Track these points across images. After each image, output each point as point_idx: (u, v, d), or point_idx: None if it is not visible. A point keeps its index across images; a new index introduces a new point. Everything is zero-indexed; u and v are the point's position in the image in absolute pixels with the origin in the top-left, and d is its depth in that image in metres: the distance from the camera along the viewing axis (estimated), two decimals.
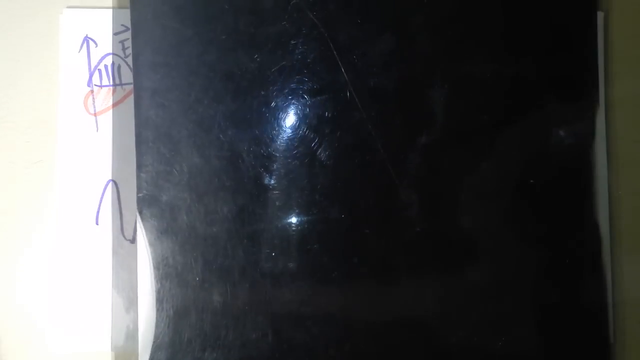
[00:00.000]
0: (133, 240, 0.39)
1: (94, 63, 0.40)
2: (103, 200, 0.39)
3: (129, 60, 0.40)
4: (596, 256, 0.38)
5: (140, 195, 0.35)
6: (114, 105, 0.40)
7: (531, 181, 0.37)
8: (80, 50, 0.40)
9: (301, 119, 0.36)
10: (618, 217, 0.40)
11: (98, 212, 0.39)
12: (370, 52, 0.36)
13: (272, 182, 0.36)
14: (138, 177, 0.35)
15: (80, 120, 0.39)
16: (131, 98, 0.40)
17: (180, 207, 0.35)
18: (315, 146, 0.36)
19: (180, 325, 0.35)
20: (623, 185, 0.40)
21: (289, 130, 0.36)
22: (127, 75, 0.40)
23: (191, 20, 0.36)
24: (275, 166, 0.36)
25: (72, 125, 0.39)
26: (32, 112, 0.40)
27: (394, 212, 0.36)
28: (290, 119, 0.36)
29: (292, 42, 0.36)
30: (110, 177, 0.39)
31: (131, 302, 0.38)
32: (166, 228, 0.35)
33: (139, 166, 0.35)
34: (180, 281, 0.35)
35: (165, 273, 0.35)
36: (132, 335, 0.38)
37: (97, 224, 0.39)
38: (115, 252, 0.39)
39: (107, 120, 0.39)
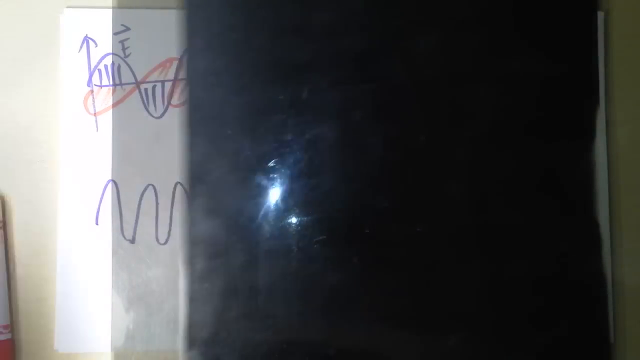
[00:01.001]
0: (133, 241, 0.39)
1: (93, 63, 0.40)
2: (103, 200, 0.39)
3: (129, 60, 0.40)
4: (596, 256, 0.38)
5: (186, 176, 0.35)
6: (114, 105, 0.40)
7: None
8: (80, 50, 0.40)
9: (349, 107, 0.36)
10: (618, 217, 0.40)
11: (98, 212, 0.39)
12: (422, 43, 0.36)
13: (319, 168, 0.35)
14: (186, 157, 0.35)
15: (80, 120, 0.39)
16: (131, 98, 0.40)
17: (226, 190, 0.35)
18: (362, 135, 0.36)
19: (226, 311, 0.34)
20: (623, 185, 0.40)
21: (336, 118, 0.35)
22: (127, 75, 0.40)
23: (241, 5, 0.35)
24: (322, 153, 0.35)
25: (71, 125, 0.39)
26: (32, 111, 0.40)
27: (439, 205, 0.36)
28: (337, 107, 0.36)
29: (342, 30, 0.35)
30: (110, 177, 0.39)
31: (131, 302, 0.38)
32: (212, 211, 0.35)
33: (188, 147, 0.35)
34: (224, 264, 0.35)
35: (209, 255, 0.35)
36: (132, 335, 0.38)
37: (97, 224, 0.39)
38: (115, 252, 0.39)
39: (107, 120, 0.39)
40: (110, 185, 0.39)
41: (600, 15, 0.39)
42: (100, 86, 0.40)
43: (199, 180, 0.35)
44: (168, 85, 0.40)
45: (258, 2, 0.36)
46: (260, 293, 0.35)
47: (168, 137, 0.40)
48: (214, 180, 0.35)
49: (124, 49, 0.40)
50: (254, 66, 0.36)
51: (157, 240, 0.39)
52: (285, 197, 0.35)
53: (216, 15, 0.36)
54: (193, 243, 0.34)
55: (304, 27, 0.36)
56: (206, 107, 0.35)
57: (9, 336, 0.38)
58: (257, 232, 0.35)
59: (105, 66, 0.40)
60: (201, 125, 0.35)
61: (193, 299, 0.34)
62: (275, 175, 0.35)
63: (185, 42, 0.36)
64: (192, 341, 0.34)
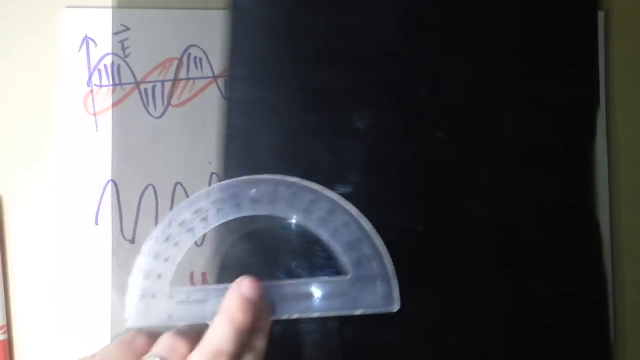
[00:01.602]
0: (133, 241, 0.39)
1: (93, 63, 0.40)
2: (102, 200, 0.39)
3: (128, 60, 0.40)
4: (596, 256, 0.38)
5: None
6: (114, 105, 0.40)
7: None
8: (79, 49, 0.40)
9: (379, 133, 0.37)
10: (618, 217, 0.40)
11: (97, 212, 0.39)
12: (449, 71, 0.38)
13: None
14: (223, 181, 0.36)
15: (79, 120, 0.39)
16: (130, 98, 0.40)
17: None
18: (391, 159, 0.37)
19: None
20: (623, 185, 0.40)
21: (366, 141, 0.37)
22: (127, 75, 0.40)
23: (283, 38, 0.37)
24: (351, 177, 0.37)
25: (71, 125, 0.39)
26: (32, 111, 0.39)
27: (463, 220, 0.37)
28: (369, 133, 0.37)
29: (374, 60, 0.37)
30: (109, 177, 0.39)
31: None
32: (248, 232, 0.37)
33: (226, 171, 0.37)
34: None
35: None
36: None
37: (96, 224, 0.39)
38: (114, 252, 0.39)
39: (106, 120, 0.39)
40: (110, 185, 0.39)
41: (601, 15, 0.39)
42: (100, 86, 0.40)
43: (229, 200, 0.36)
44: (168, 85, 0.40)
45: (299, 35, 0.37)
46: None
47: (168, 137, 0.39)
48: None
49: (123, 48, 0.40)
50: (290, 93, 0.37)
51: None
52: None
53: (261, 46, 0.37)
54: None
55: (337, 56, 0.37)
56: (243, 133, 0.37)
57: (4, 337, 0.37)
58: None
59: (105, 66, 0.40)
60: (237, 150, 0.37)
61: None
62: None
63: (228, 69, 0.38)
64: None
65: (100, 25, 0.40)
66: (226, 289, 0.30)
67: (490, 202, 0.38)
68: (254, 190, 0.33)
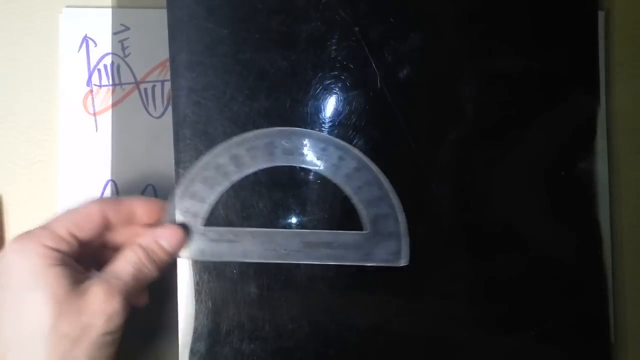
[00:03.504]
0: None
1: (93, 63, 0.40)
2: None
3: (129, 59, 0.40)
4: (596, 256, 0.38)
5: (178, 191, 0.36)
6: (114, 105, 0.40)
7: (562, 173, 0.37)
8: (79, 49, 0.40)
9: (333, 115, 0.37)
10: (618, 217, 0.40)
11: None
12: (401, 48, 0.37)
13: (306, 177, 0.36)
14: (176, 173, 0.36)
15: (79, 120, 0.39)
16: (130, 98, 0.40)
17: (217, 202, 0.36)
18: (348, 142, 0.36)
19: (219, 317, 0.36)
20: (623, 185, 0.40)
21: (321, 126, 0.36)
22: (127, 75, 0.40)
23: (225, 21, 0.37)
24: (307, 162, 0.36)
25: (71, 125, 0.39)
26: (32, 111, 0.40)
27: (425, 205, 0.37)
28: (322, 115, 0.36)
29: (324, 39, 0.37)
30: (109, 177, 0.39)
31: None
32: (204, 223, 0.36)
33: (177, 163, 0.36)
34: (218, 274, 0.36)
35: (203, 266, 0.36)
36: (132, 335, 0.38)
37: None
38: None
39: (106, 120, 0.39)
40: (109, 185, 0.39)
41: (601, 14, 0.39)
42: (100, 86, 0.40)
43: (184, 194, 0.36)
44: (168, 85, 0.40)
45: (242, 16, 0.37)
46: None
47: (168, 137, 0.39)
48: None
49: (123, 48, 0.40)
50: (241, 78, 0.36)
51: None
52: (275, 207, 0.36)
53: (202, 30, 0.36)
54: None
55: (288, 38, 0.37)
56: (192, 121, 0.36)
57: None
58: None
59: (105, 66, 0.40)
60: (187, 140, 0.36)
61: None
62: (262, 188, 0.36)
63: (171, 58, 0.36)
64: None
65: (100, 25, 0.40)
66: (255, 232, 0.35)
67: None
68: (286, 141, 0.35)
